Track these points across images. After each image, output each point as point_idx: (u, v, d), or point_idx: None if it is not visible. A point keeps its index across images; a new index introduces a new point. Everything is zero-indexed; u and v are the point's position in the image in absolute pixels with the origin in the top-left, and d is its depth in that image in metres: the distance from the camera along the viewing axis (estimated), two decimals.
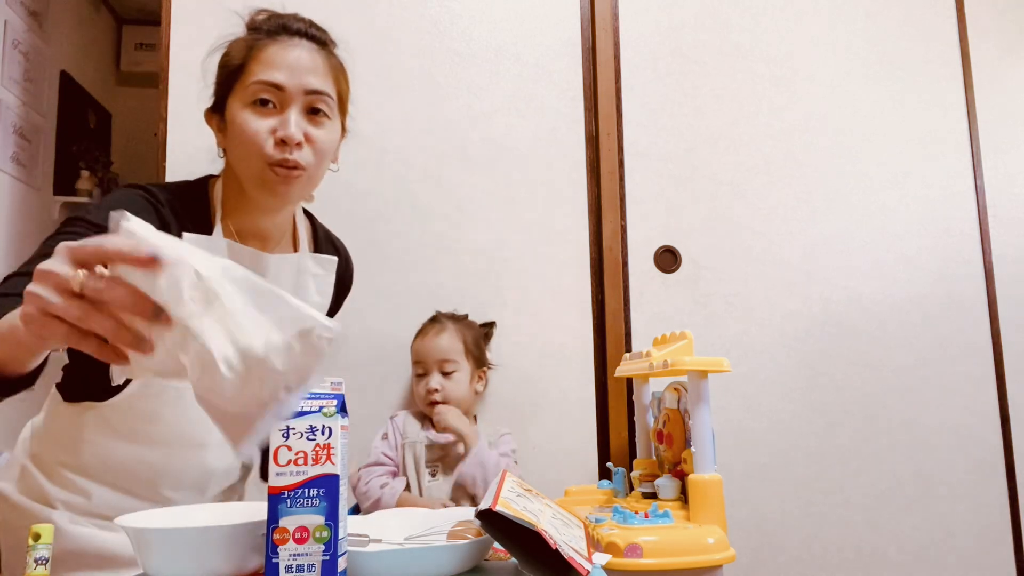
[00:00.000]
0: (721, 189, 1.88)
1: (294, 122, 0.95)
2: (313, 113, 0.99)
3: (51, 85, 2.73)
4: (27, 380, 0.76)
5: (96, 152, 2.98)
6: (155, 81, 1.71)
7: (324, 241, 1.20)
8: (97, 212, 0.91)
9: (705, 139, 1.89)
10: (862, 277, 1.90)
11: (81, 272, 0.53)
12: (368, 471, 1.44)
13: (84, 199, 2.82)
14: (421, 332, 1.58)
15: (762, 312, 1.85)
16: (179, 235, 0.94)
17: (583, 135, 1.84)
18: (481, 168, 1.79)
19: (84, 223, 0.91)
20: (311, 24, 1.02)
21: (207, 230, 1.00)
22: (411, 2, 1.82)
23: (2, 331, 0.69)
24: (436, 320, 1.60)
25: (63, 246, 0.55)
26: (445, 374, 1.52)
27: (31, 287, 0.55)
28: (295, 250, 1.14)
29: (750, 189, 1.89)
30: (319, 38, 1.02)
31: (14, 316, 0.66)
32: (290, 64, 0.96)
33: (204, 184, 1.06)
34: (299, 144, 0.96)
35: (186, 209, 0.99)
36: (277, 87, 0.96)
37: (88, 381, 1.01)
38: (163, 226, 0.94)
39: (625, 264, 1.81)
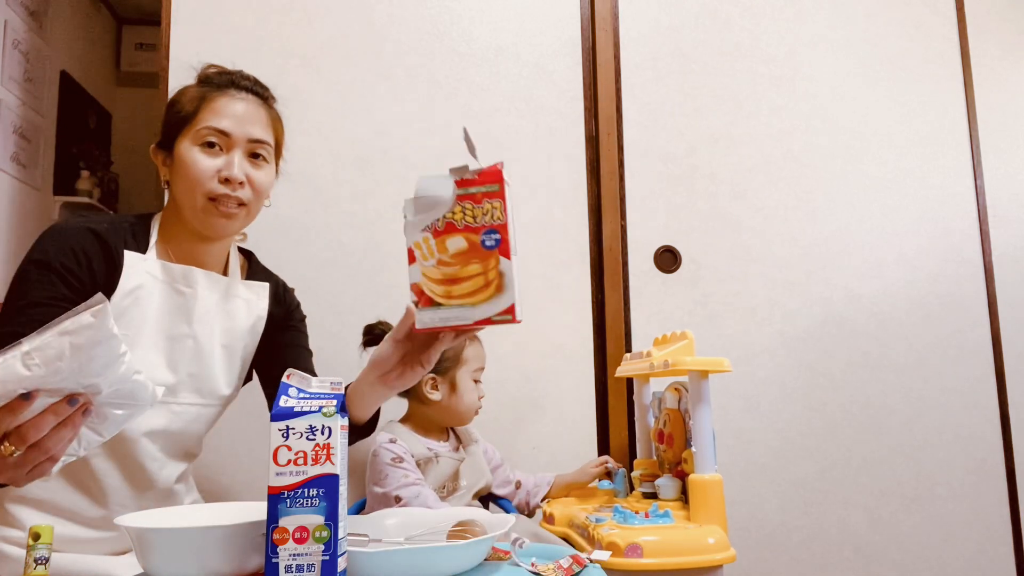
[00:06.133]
0: (721, 189, 1.88)
1: (237, 164, 1.09)
2: (253, 157, 1.12)
3: (51, 85, 2.73)
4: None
5: (96, 152, 2.98)
6: (155, 81, 1.71)
7: (257, 274, 1.28)
8: (57, 249, 1.02)
9: (705, 139, 1.89)
10: (862, 277, 1.90)
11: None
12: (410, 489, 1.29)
13: (84, 199, 2.82)
14: (469, 338, 1.44)
15: (762, 312, 1.85)
16: (120, 254, 1.06)
17: (583, 135, 1.84)
18: None
19: (48, 269, 1.01)
20: (255, 82, 1.16)
21: (143, 252, 1.11)
22: (411, 2, 1.82)
23: None
24: None
25: None
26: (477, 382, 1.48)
27: None
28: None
29: (750, 189, 1.89)
30: (262, 94, 1.16)
31: None
32: (236, 114, 1.10)
33: (148, 215, 1.18)
34: (241, 183, 1.09)
35: (125, 232, 1.10)
36: (224, 133, 1.09)
37: None
38: (106, 253, 1.05)
39: (625, 264, 1.81)
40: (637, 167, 1.85)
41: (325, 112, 1.75)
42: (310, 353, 1.30)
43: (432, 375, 1.43)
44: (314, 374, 1.23)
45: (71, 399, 0.72)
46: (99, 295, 0.70)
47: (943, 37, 2.04)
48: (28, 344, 0.67)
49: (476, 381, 1.46)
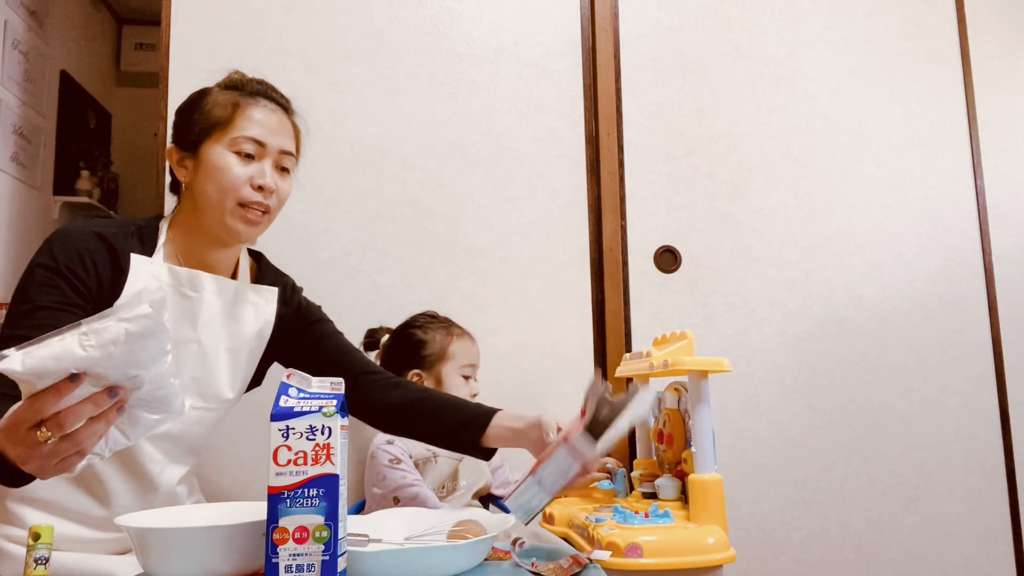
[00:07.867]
0: (721, 189, 1.88)
1: (270, 173, 1.13)
2: (280, 168, 1.17)
3: (51, 85, 2.73)
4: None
5: (96, 152, 2.98)
6: (155, 81, 1.71)
7: (267, 276, 1.29)
8: (64, 253, 1.03)
9: (705, 139, 1.89)
10: (862, 277, 1.90)
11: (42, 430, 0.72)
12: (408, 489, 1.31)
13: (84, 199, 2.82)
14: (456, 334, 1.49)
15: (762, 312, 1.85)
16: (126, 259, 1.07)
17: (583, 135, 1.84)
18: (481, 168, 1.79)
19: (55, 273, 1.02)
20: (282, 94, 1.22)
21: (149, 255, 1.12)
22: (411, 2, 1.82)
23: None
24: (451, 322, 1.53)
25: (19, 418, 0.72)
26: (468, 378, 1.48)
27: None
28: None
29: (750, 189, 1.89)
30: (288, 107, 1.21)
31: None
32: (271, 125, 1.15)
33: (156, 217, 1.19)
34: (272, 191, 1.14)
35: (132, 236, 1.11)
36: (260, 143, 1.13)
37: None
38: (113, 257, 1.05)
39: (625, 264, 1.81)
40: (637, 167, 1.85)
41: (325, 112, 1.74)
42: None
43: (417, 371, 1.45)
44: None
45: (111, 391, 0.72)
46: (159, 292, 0.70)
47: (943, 37, 2.04)
48: (86, 326, 0.69)
49: (466, 378, 1.46)
